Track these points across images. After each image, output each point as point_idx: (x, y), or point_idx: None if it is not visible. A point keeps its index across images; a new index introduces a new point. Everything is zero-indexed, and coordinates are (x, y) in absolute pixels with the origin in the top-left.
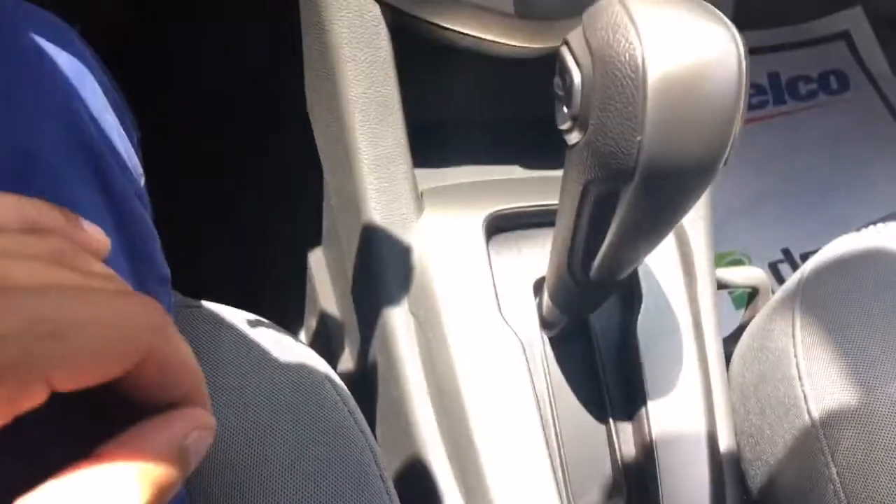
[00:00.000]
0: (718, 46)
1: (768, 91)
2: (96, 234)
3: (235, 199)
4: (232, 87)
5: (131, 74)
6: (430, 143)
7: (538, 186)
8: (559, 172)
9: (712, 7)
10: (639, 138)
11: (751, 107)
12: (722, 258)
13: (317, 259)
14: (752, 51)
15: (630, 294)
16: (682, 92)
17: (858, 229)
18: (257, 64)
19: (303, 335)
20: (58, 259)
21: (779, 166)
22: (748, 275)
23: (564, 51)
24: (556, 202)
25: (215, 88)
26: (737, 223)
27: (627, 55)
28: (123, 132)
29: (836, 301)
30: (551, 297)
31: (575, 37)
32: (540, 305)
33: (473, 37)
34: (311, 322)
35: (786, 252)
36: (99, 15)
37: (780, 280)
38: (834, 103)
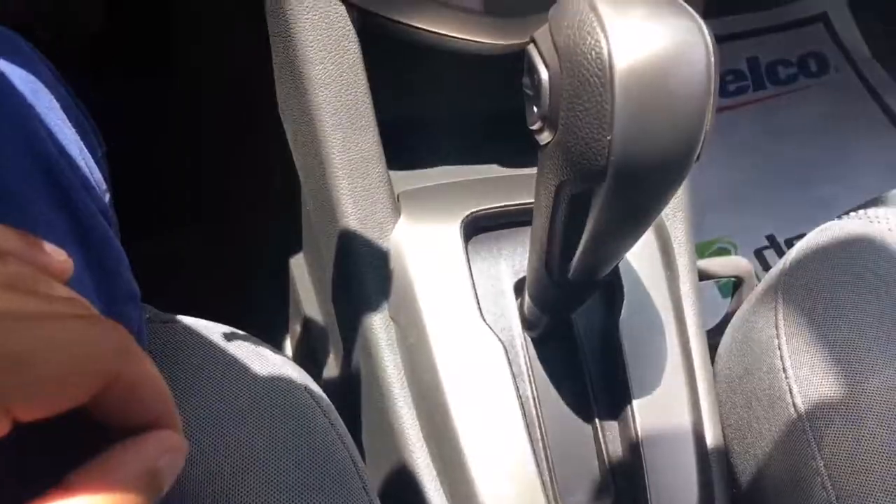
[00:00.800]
0: (685, 40)
1: (748, 77)
2: (58, 256)
3: (215, 206)
4: (207, 92)
5: (106, 81)
6: (405, 145)
7: (515, 184)
8: (536, 170)
9: (680, 1)
10: (608, 137)
11: (731, 93)
12: (707, 246)
13: (298, 265)
14: (731, 36)
15: (612, 291)
16: (651, 88)
17: (840, 216)
18: (231, 68)
19: (288, 342)
20: (16, 284)
21: (761, 152)
22: (732, 264)
23: (532, 49)
24: (533, 201)
25: (191, 93)
26: (721, 210)
27: (594, 53)
28: (85, 148)
29: (817, 291)
30: (532, 297)
31: (541, 35)
32: (522, 306)
33: (443, 35)
34: (296, 328)
35: (770, 238)
36: (75, 21)
37: (767, 267)
38: (814, 86)
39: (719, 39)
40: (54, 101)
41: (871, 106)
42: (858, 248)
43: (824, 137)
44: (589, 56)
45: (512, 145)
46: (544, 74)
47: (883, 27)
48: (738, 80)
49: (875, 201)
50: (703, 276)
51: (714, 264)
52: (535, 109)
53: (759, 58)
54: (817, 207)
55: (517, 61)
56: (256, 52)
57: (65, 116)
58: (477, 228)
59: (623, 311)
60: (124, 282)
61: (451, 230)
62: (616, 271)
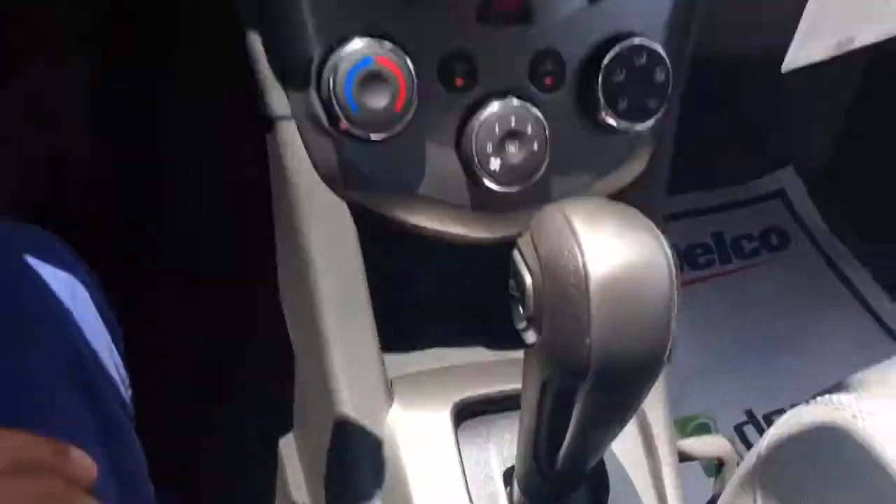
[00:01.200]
0: (650, 256)
1: (714, 250)
2: (83, 462)
3: (208, 383)
4: (206, 275)
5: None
6: (397, 329)
7: (505, 370)
8: (523, 352)
9: (643, 216)
10: (588, 340)
11: (699, 266)
12: (688, 422)
13: (288, 445)
14: (696, 212)
15: (598, 480)
16: (622, 298)
17: (807, 401)
18: (229, 254)
19: None
20: (47, 501)
21: (730, 324)
22: (712, 445)
23: (516, 255)
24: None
25: (188, 271)
26: (697, 384)
27: (571, 265)
28: (114, 346)
29: (789, 483)
30: (521, 487)
31: (524, 243)
32: (511, 495)
33: (435, 230)
34: None
35: (749, 413)
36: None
37: (748, 443)
38: (776, 260)
39: (686, 215)
40: (90, 301)
41: (831, 278)
42: (823, 438)
43: (789, 310)
44: (568, 268)
45: (501, 330)
46: (528, 280)
47: (837, 202)
48: (705, 253)
49: (839, 386)
50: (684, 457)
51: (695, 445)
52: (521, 311)
53: (723, 233)
54: (788, 378)
55: (505, 250)
56: (250, 243)
57: (98, 317)
58: (467, 414)
59: (609, 500)
60: (142, 484)
61: (441, 418)
62: (600, 459)
